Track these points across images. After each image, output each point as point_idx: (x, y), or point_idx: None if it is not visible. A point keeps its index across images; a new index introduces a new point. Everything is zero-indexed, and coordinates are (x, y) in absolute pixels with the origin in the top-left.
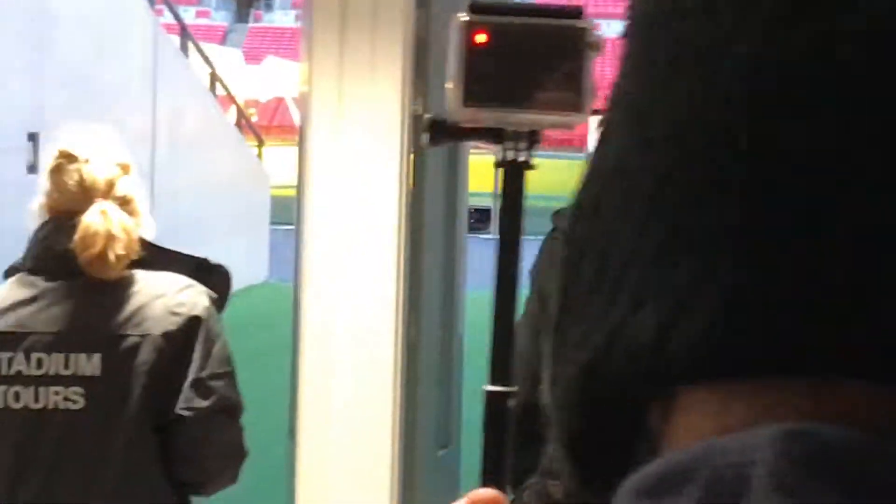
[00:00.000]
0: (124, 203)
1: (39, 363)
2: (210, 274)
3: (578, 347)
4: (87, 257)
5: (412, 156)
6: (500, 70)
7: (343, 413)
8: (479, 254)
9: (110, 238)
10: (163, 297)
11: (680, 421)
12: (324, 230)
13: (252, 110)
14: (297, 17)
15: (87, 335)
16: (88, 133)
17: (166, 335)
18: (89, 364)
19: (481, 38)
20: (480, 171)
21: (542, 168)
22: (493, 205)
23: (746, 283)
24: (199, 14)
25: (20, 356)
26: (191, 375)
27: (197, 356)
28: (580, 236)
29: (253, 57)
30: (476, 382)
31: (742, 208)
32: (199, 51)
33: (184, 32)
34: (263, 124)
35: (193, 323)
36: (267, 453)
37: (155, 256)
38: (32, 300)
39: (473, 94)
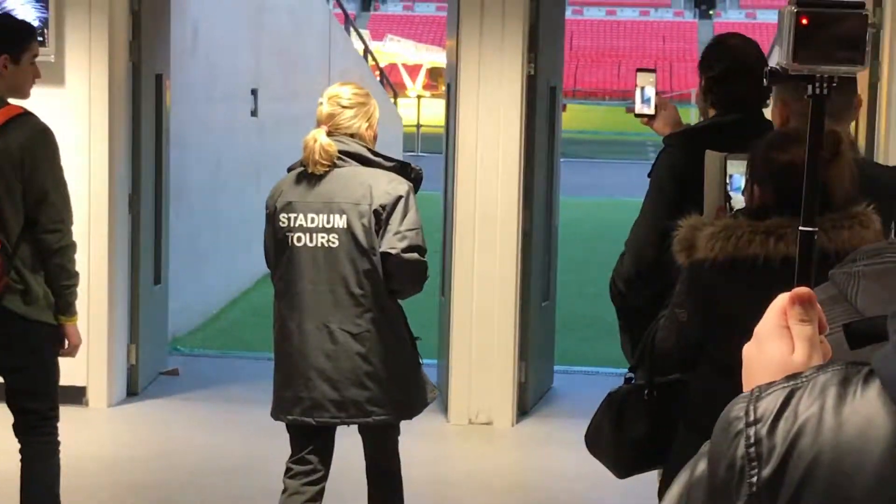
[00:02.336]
0: (337, 128)
1: (312, 220)
2: (409, 170)
3: None
4: (304, 161)
5: (526, 104)
6: (814, 39)
7: (481, 276)
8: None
9: (312, 151)
10: (381, 184)
11: None
12: (467, 155)
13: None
14: (438, 8)
15: (339, 204)
16: (340, 85)
17: (383, 205)
18: (341, 220)
19: (804, 21)
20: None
21: (594, 112)
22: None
23: None
24: (335, 5)
25: (301, 216)
26: (393, 228)
27: (398, 217)
28: None
29: (376, 36)
30: (567, 257)
31: None
32: (356, 30)
33: (346, 18)
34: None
35: (398, 199)
36: (423, 305)
37: (377, 159)
38: (304, 183)
39: (798, 54)
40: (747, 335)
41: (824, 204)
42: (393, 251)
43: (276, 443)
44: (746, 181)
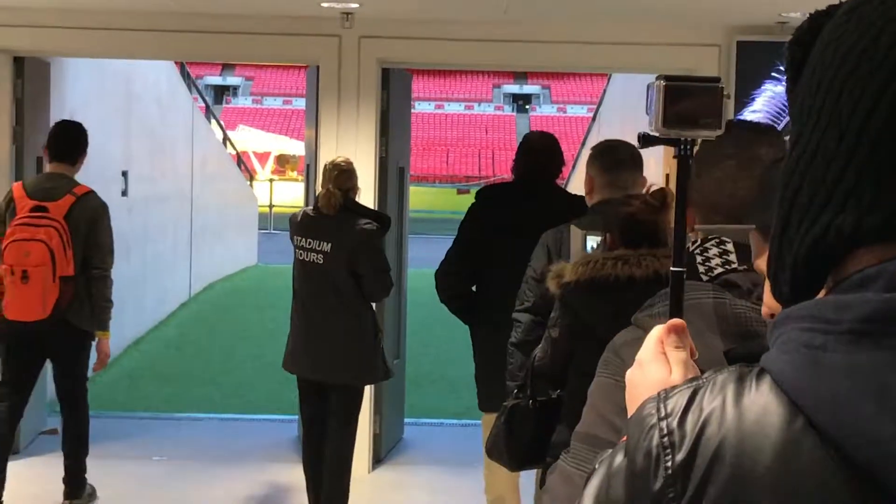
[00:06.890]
0: (344, 184)
1: (309, 242)
2: (381, 216)
3: (806, 231)
4: (320, 205)
5: (379, 182)
6: (680, 108)
7: None
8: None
9: (324, 200)
10: (358, 224)
11: (856, 261)
12: None
13: None
14: (285, 102)
15: (327, 235)
16: (338, 158)
17: (357, 238)
18: (327, 245)
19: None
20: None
21: (432, 193)
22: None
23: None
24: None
25: (312, 241)
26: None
27: (364, 249)
28: (796, 181)
29: (229, 126)
30: (411, 321)
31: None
32: (217, 119)
33: (207, 108)
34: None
35: (365, 234)
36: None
37: (362, 209)
38: (312, 219)
39: (667, 121)
40: (603, 341)
41: (659, 241)
42: (363, 272)
43: (156, 493)
44: (602, 239)
